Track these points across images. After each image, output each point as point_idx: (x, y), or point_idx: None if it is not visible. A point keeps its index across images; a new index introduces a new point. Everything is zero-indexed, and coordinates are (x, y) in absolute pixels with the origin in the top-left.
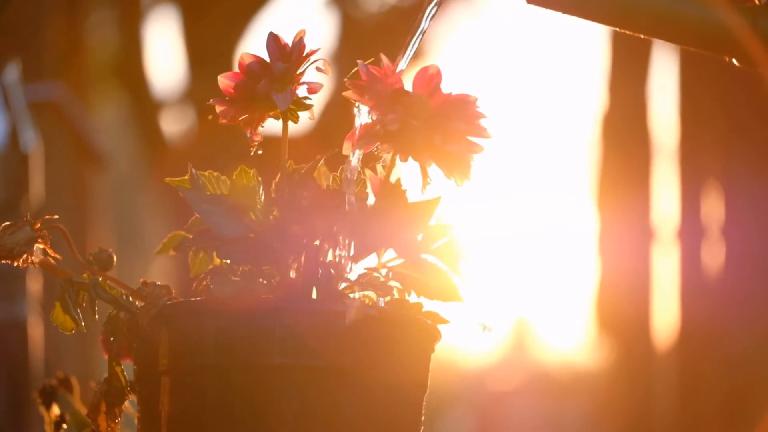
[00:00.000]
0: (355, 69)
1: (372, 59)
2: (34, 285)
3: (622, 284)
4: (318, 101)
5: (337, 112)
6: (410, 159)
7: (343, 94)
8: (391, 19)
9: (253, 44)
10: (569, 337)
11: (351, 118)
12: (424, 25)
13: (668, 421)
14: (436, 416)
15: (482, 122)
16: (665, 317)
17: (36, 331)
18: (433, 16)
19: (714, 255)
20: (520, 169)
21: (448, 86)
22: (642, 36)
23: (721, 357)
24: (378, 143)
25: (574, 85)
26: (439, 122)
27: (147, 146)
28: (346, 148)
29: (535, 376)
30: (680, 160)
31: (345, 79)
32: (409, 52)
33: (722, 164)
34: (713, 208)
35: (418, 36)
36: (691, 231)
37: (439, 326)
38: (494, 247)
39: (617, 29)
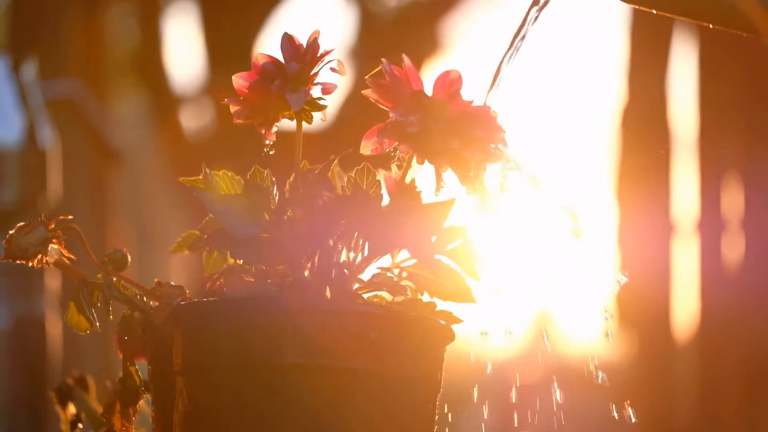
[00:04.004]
0: (377, 69)
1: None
2: (52, 282)
3: (642, 277)
4: (336, 98)
5: (355, 109)
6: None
7: (363, 92)
8: (410, 14)
9: (272, 39)
10: (589, 330)
11: (368, 115)
12: (524, 31)
13: (689, 413)
14: (456, 409)
15: (500, 133)
16: (685, 310)
17: (54, 328)
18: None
19: (734, 248)
20: (539, 163)
21: (468, 93)
22: (671, 15)
23: (742, 349)
24: (396, 144)
25: (593, 78)
26: (458, 128)
27: (165, 142)
28: (365, 147)
29: (555, 369)
30: (700, 153)
31: (366, 78)
32: (509, 61)
33: (742, 156)
34: (733, 201)
35: (519, 42)
36: (711, 224)
37: (453, 326)
38: (514, 241)
39: (646, 9)
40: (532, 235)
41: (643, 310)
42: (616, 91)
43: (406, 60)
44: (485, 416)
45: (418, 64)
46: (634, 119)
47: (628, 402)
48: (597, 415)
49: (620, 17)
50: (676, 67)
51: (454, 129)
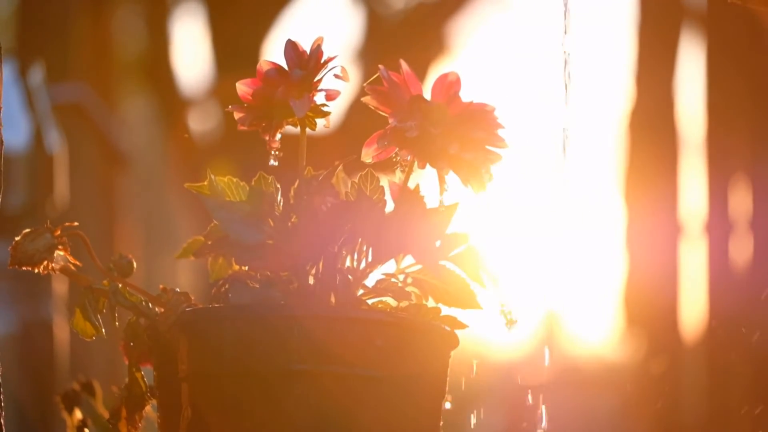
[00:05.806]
0: (376, 75)
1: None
2: (60, 287)
3: (650, 278)
4: (342, 101)
5: (362, 113)
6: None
7: (362, 99)
8: (417, 16)
9: (279, 40)
10: (598, 331)
11: (372, 119)
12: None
13: (697, 413)
14: (464, 410)
15: (500, 132)
16: (693, 311)
17: (61, 331)
18: None
19: (742, 248)
20: (547, 163)
21: (467, 94)
22: None
23: (749, 350)
24: (397, 149)
25: (602, 80)
26: (457, 130)
27: (173, 146)
28: (366, 154)
29: (564, 370)
30: (708, 154)
31: (364, 85)
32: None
33: (750, 157)
34: (741, 202)
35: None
36: (718, 224)
37: (458, 330)
38: (522, 241)
39: None
40: (534, 234)
41: (651, 310)
42: (624, 92)
43: (404, 65)
44: (494, 416)
45: (425, 67)
46: (642, 121)
47: (636, 402)
48: (605, 414)
49: (629, 19)
50: (683, 69)
51: (453, 132)
